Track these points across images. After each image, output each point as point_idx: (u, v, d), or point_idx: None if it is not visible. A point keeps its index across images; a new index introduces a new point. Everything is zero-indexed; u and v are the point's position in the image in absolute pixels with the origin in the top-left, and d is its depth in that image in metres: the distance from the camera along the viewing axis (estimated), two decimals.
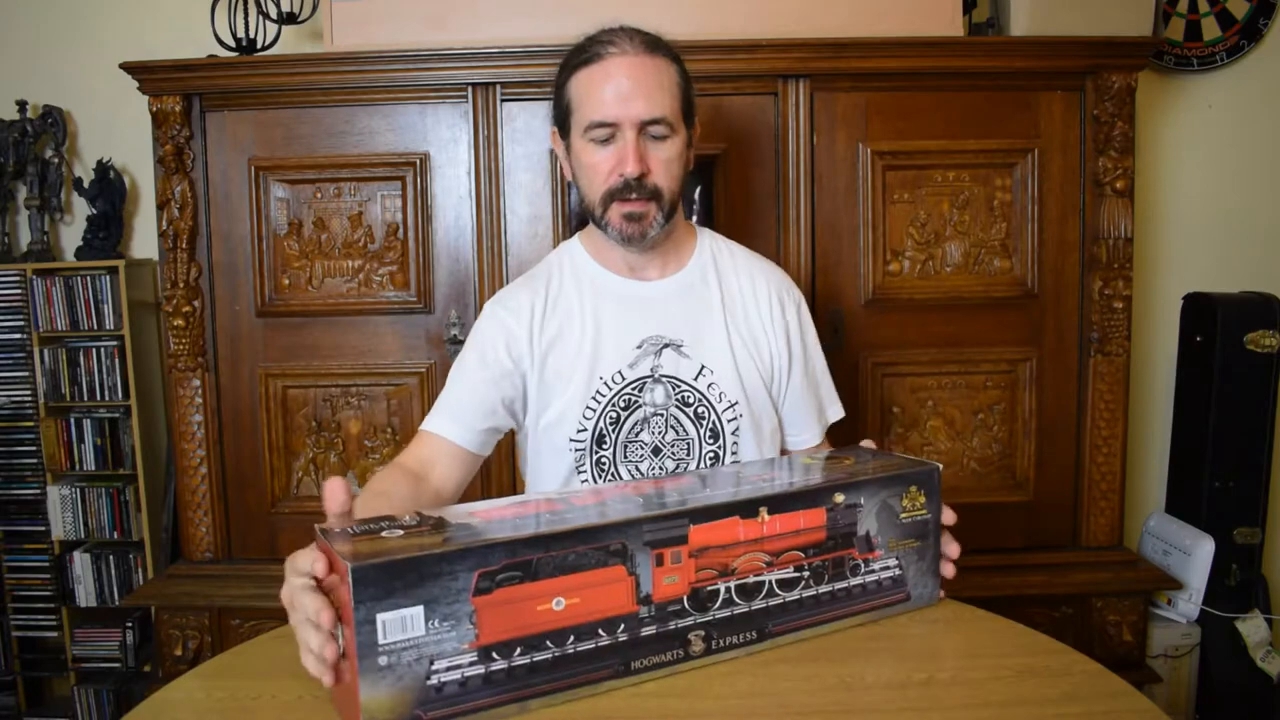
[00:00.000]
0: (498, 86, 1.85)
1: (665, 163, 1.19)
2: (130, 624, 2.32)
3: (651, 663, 0.85)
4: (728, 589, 0.88)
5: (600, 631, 0.83)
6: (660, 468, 1.23)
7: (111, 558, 2.30)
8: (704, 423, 1.23)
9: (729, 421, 1.23)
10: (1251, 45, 2.32)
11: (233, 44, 1.97)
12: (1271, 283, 2.23)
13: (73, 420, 2.30)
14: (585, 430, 1.21)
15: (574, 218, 1.86)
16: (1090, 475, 1.94)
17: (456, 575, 0.75)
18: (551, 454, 1.24)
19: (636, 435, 1.22)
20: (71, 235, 2.43)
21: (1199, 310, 2.21)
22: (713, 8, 1.87)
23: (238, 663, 0.94)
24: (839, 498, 0.94)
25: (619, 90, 1.15)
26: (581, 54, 1.19)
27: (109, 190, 2.32)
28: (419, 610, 0.74)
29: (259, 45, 2.01)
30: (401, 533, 0.80)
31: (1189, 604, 2.10)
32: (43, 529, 2.30)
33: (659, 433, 1.22)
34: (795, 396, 1.31)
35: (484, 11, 1.89)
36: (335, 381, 1.93)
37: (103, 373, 2.27)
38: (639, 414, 1.22)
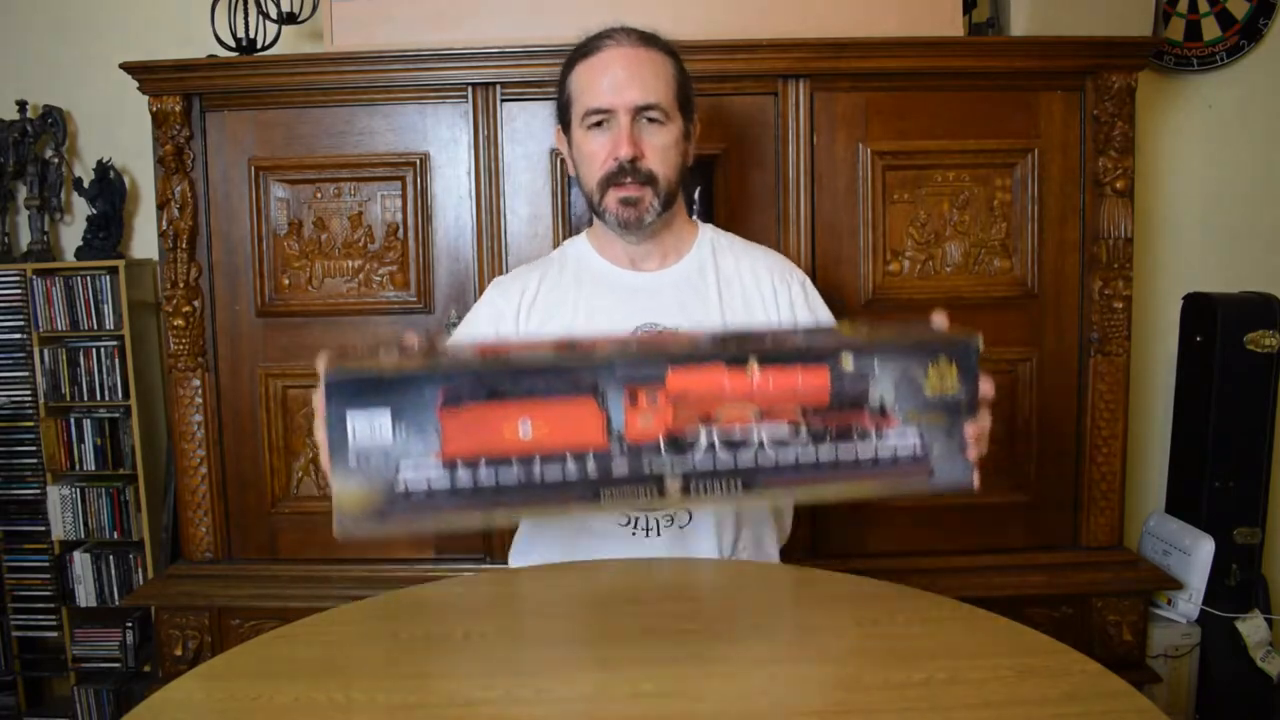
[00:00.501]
0: (498, 86, 1.85)
1: (660, 149, 1.21)
2: (130, 624, 2.32)
3: (622, 493, 0.82)
4: (709, 433, 0.82)
5: (569, 460, 0.81)
6: None
7: (111, 558, 2.30)
8: None
9: None
10: (1251, 45, 2.32)
11: (233, 44, 1.97)
12: (1271, 283, 2.22)
13: (73, 420, 2.30)
14: None
15: (575, 220, 1.86)
16: (1090, 475, 1.93)
17: (423, 391, 0.78)
18: None
19: None
20: (71, 235, 2.43)
21: (1199, 310, 2.21)
22: (713, 8, 1.87)
23: (237, 663, 0.94)
24: (846, 359, 0.83)
25: (614, 79, 1.19)
26: (580, 50, 1.24)
27: (109, 190, 2.32)
28: (386, 414, 0.77)
29: (259, 45, 2.01)
30: (398, 356, 0.83)
31: (1189, 604, 2.10)
32: (43, 529, 2.30)
33: None
34: None
35: (484, 11, 1.89)
36: None
37: (103, 373, 2.27)
38: None
